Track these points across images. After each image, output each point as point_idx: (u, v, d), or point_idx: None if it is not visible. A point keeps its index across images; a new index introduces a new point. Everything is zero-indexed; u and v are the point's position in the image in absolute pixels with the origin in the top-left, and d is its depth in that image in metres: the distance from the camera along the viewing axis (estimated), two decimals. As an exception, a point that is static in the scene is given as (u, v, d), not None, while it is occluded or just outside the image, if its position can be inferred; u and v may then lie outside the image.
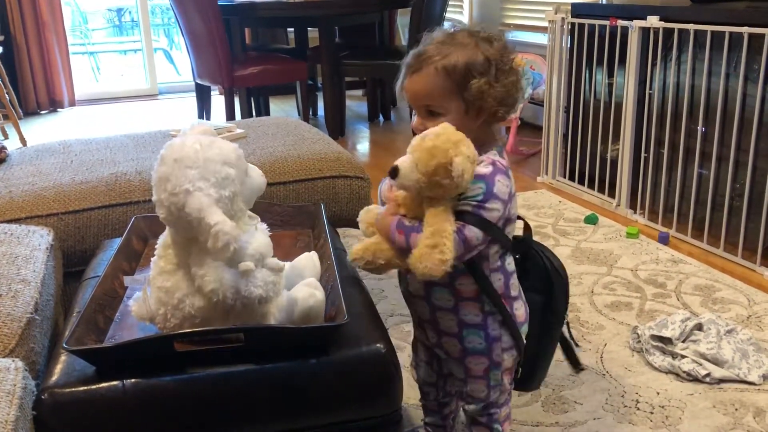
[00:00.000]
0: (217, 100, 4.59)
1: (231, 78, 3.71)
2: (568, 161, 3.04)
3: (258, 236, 0.97)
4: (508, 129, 3.59)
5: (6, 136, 4.25)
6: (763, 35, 2.05)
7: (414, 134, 1.14)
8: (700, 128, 2.35)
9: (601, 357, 1.73)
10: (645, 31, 2.52)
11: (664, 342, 1.70)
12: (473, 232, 1.03)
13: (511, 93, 1.10)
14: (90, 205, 1.56)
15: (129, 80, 6.69)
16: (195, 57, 3.97)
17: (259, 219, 1.01)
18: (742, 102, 2.18)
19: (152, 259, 0.99)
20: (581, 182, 2.95)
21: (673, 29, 2.39)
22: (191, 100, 4.59)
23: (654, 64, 2.51)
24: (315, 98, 4.58)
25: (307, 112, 4.16)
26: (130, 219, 1.54)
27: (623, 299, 2.03)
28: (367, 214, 1.10)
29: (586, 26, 2.79)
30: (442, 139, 1.00)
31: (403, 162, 1.01)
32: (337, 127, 4.02)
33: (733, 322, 1.81)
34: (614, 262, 2.28)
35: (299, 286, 0.96)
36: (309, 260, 1.08)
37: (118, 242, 1.38)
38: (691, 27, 2.30)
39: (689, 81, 2.36)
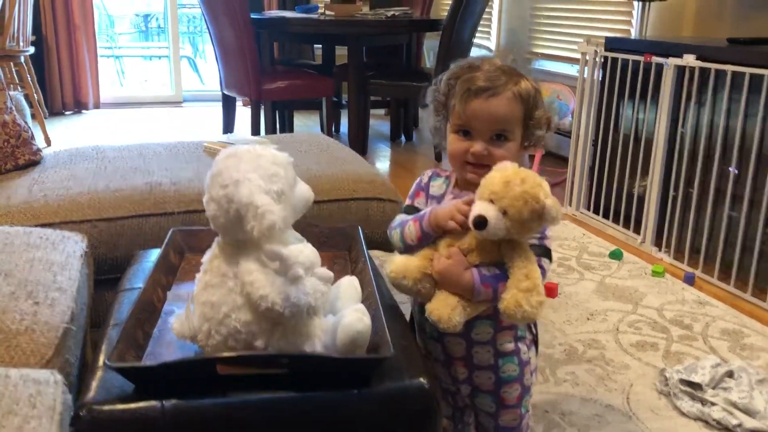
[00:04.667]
0: (241, 112, 4.61)
1: (259, 91, 3.72)
2: (593, 194, 3.02)
3: (307, 246, 0.96)
4: (530, 158, 3.58)
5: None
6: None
7: (453, 158, 1.14)
8: (732, 170, 2.33)
9: (627, 398, 1.70)
10: (680, 70, 2.51)
11: (693, 387, 1.67)
12: (547, 265, 1.06)
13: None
14: (124, 214, 1.55)
15: (153, 86, 6.75)
16: (224, 67, 3.99)
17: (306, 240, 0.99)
18: (779, 146, 2.17)
19: (197, 275, 0.98)
20: (606, 216, 2.93)
21: (709, 69, 2.37)
22: (215, 109, 4.61)
23: (688, 103, 2.50)
24: (339, 115, 4.60)
25: (330, 129, 4.17)
26: (165, 230, 1.53)
27: (649, 339, 1.99)
28: (407, 269, 1.04)
29: (620, 61, 2.78)
30: (530, 182, 0.98)
31: (487, 212, 0.98)
32: (360, 146, 4.02)
33: (764, 371, 1.77)
34: (639, 299, 2.25)
35: (348, 310, 0.94)
36: (350, 285, 1.06)
37: (152, 253, 1.38)
38: (729, 68, 2.28)
39: (723, 121, 2.34)
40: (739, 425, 1.55)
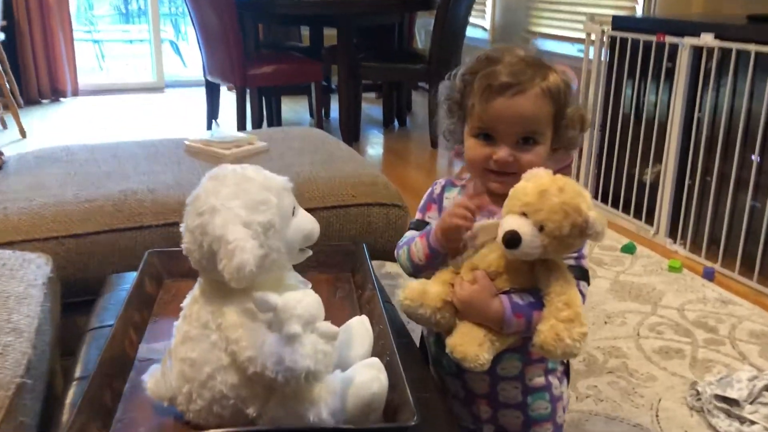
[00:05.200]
0: (226, 97, 4.40)
1: (244, 77, 3.52)
2: (602, 182, 2.86)
3: (308, 294, 0.79)
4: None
5: (5, 127, 4.06)
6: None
7: (473, 166, 1.00)
8: (755, 158, 2.17)
9: (657, 415, 1.56)
10: (697, 50, 2.34)
11: (729, 403, 1.52)
12: (586, 289, 0.93)
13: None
14: (95, 229, 1.37)
15: (134, 71, 6.49)
16: (206, 53, 3.78)
17: (311, 285, 0.82)
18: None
19: (174, 324, 0.81)
20: (615, 206, 2.77)
21: (729, 49, 2.21)
22: (198, 94, 4.39)
23: (705, 85, 2.33)
24: (328, 100, 4.40)
25: (320, 115, 3.98)
26: (141, 245, 1.36)
27: (673, 344, 1.85)
28: (423, 296, 0.90)
29: (630, 41, 2.61)
30: (570, 192, 0.83)
31: (521, 227, 0.83)
32: (351, 132, 3.84)
33: (803, 382, 1.63)
34: (658, 299, 2.11)
35: (360, 367, 0.77)
36: (360, 326, 0.89)
37: (126, 278, 1.21)
38: (753, 48, 2.12)
39: (745, 105, 2.18)
40: (786, 449, 1.41)
